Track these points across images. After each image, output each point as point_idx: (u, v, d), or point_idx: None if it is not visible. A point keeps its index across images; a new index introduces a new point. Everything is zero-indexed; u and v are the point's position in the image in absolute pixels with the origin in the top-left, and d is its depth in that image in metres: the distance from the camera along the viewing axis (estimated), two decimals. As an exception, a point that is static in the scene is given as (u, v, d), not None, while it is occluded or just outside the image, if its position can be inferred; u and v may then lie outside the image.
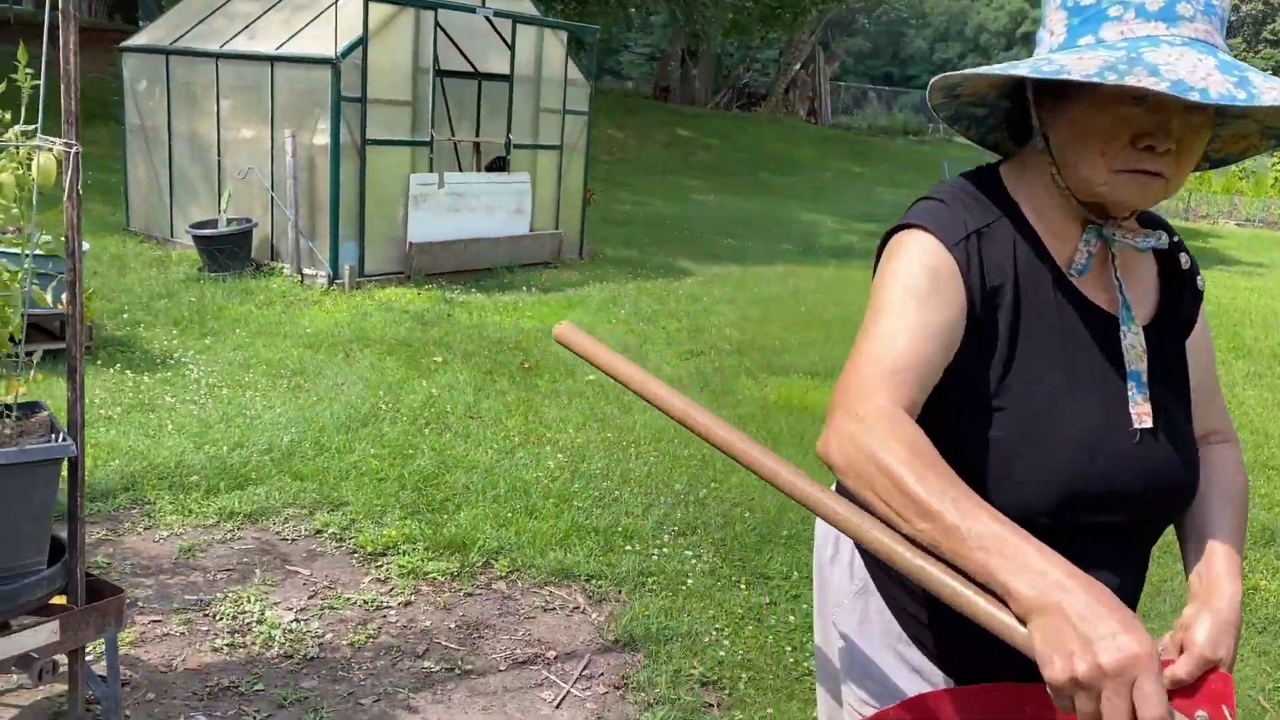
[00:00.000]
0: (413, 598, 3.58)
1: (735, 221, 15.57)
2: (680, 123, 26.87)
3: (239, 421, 5.12)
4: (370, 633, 3.31)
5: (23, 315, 2.38)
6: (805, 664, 3.34)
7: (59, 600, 2.58)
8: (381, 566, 3.79)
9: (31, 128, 2.46)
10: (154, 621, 3.25)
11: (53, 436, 2.50)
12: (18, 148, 2.34)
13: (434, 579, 3.71)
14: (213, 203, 9.05)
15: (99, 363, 5.84)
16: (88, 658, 2.74)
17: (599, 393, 6.21)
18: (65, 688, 2.72)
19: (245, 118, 8.90)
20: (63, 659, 2.75)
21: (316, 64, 8.22)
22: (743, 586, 3.84)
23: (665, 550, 4.06)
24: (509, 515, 4.26)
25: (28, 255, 2.42)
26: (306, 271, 8.50)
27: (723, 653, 3.35)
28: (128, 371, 5.83)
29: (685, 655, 3.31)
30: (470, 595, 3.63)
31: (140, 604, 3.36)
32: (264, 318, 7.34)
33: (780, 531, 4.33)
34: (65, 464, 2.49)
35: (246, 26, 9.07)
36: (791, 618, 3.62)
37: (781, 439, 5.53)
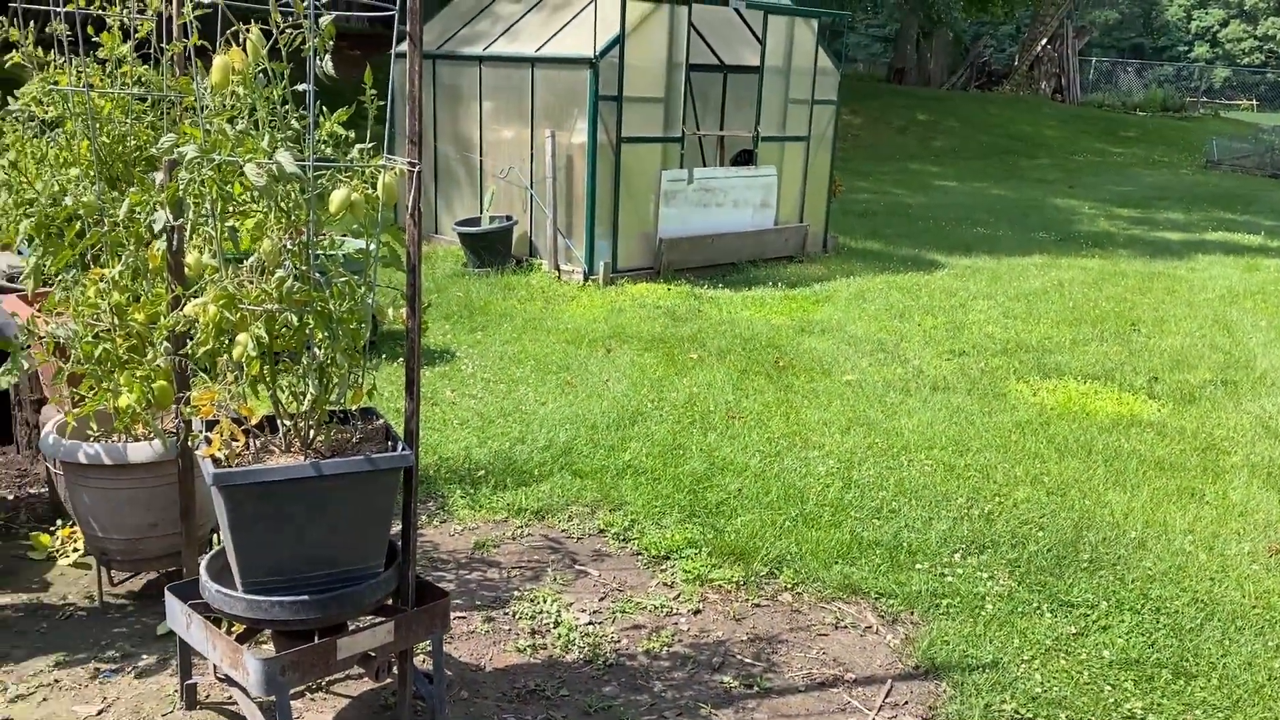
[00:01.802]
0: (701, 606, 3.55)
1: (983, 209, 14.84)
2: (917, 105, 25.93)
3: (516, 417, 5.28)
4: (665, 640, 3.30)
5: (370, 327, 2.49)
6: (1128, 705, 3.07)
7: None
8: (667, 570, 3.79)
9: (372, 145, 2.56)
10: (459, 618, 3.37)
11: (388, 445, 2.61)
12: (364, 168, 2.44)
13: (720, 587, 3.67)
14: (475, 201, 9.45)
15: (383, 355, 6.18)
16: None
17: (858, 394, 6.02)
18: (384, 682, 2.84)
19: (506, 118, 9.23)
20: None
21: (575, 64, 8.40)
22: (1045, 613, 3.58)
23: (957, 570, 3.85)
24: (786, 523, 4.17)
25: (372, 268, 2.52)
26: (563, 267, 8.73)
27: (1036, 688, 3.12)
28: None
29: (994, 688, 3.11)
30: (758, 606, 3.57)
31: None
32: (527, 312, 7.58)
33: (1080, 555, 4.02)
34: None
35: (508, 29, 9.39)
36: (1105, 652, 3.34)
37: (1067, 449, 5.16)
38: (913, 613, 3.57)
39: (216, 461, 2.41)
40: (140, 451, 3.06)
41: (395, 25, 2.40)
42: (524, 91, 8.92)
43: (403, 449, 2.53)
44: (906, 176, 18.44)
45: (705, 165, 10.41)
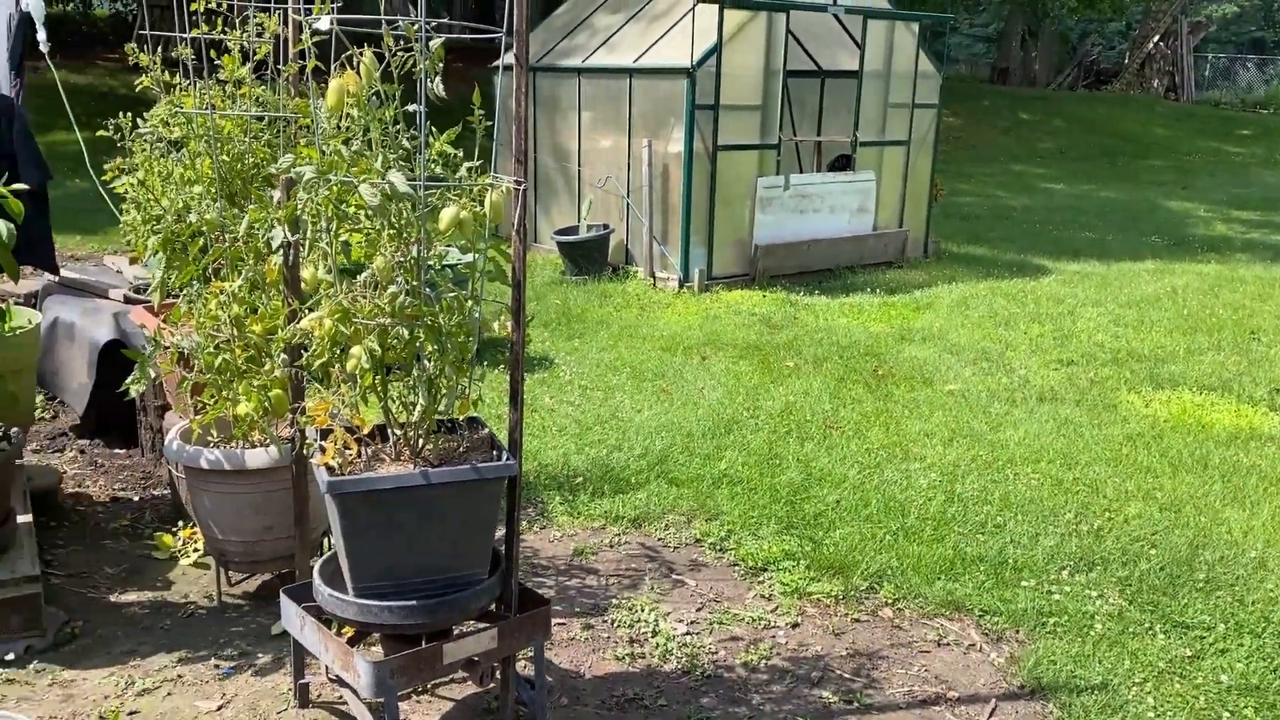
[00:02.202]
0: (799, 619, 3.53)
1: (1092, 212, 14.40)
2: (1020, 106, 25.29)
3: (613, 424, 5.33)
4: (763, 653, 3.30)
5: (478, 339, 2.55)
6: (1247, 734, 2.95)
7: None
8: (764, 582, 3.78)
9: (479, 163, 2.62)
10: (558, 624, 3.42)
11: (493, 454, 2.67)
12: (472, 186, 2.50)
13: (819, 600, 3.65)
14: (573, 209, 9.56)
15: (485, 363, 6.30)
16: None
17: (962, 405, 5.90)
18: (487, 687, 2.90)
19: (604, 128, 9.32)
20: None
21: (672, 74, 8.44)
22: (1158, 634, 3.46)
23: (1065, 588, 3.75)
24: (886, 537, 4.12)
25: (478, 283, 2.58)
26: (659, 275, 8.77)
27: (1148, 712, 3.03)
28: (508, 373, 6.24)
29: (1103, 711, 3.03)
30: (858, 621, 3.53)
31: (545, 605, 3.54)
32: (623, 320, 7.64)
33: (1195, 574, 3.87)
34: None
35: (606, 41, 9.49)
36: (1223, 677, 3.22)
37: (1182, 464, 4.98)
38: (1018, 631, 3.49)
39: (330, 469, 2.50)
40: (257, 458, 3.19)
41: (501, 45, 2.46)
42: (621, 102, 9.00)
43: (507, 458, 2.58)
44: (1010, 179, 18.01)
45: (802, 171, 10.35)
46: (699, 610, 3.57)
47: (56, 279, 5.26)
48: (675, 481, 4.60)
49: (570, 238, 8.96)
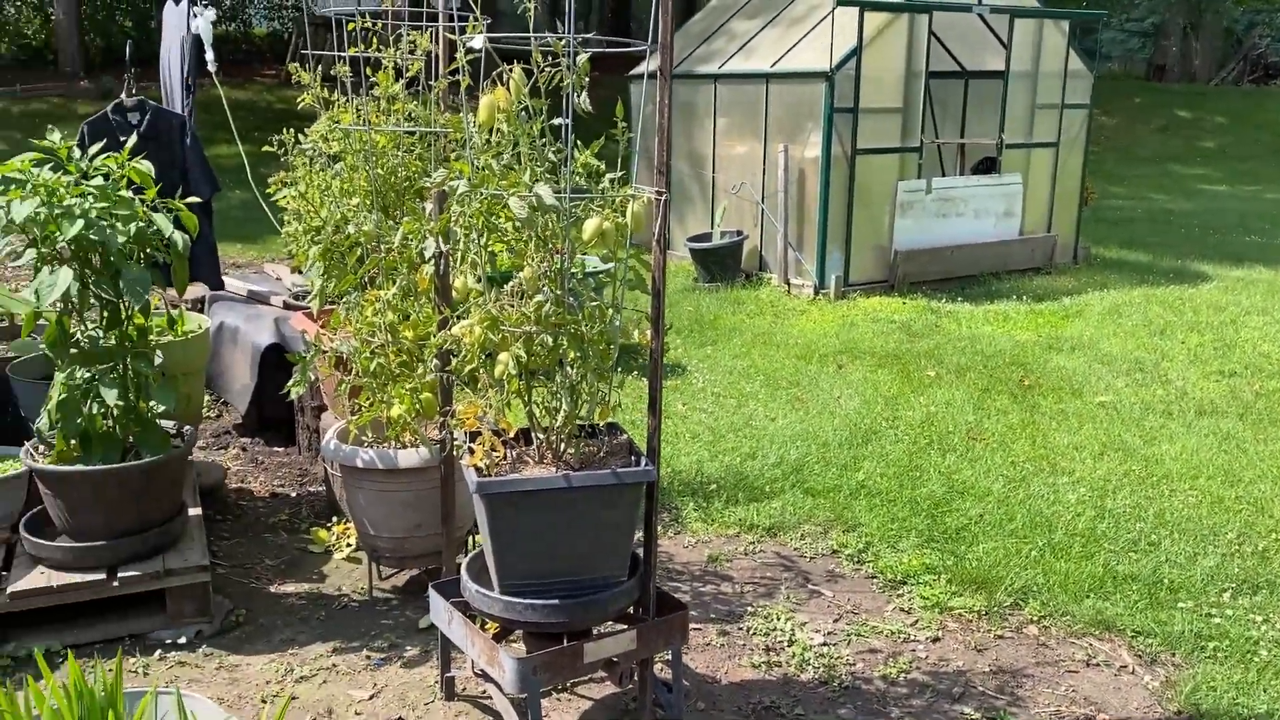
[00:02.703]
0: (940, 634, 3.46)
1: (1258, 214, 13.59)
2: (1178, 103, 24.06)
3: (746, 432, 5.33)
4: (902, 667, 3.25)
5: (617, 345, 2.60)
6: None
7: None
8: (903, 596, 3.72)
9: (621, 175, 2.68)
10: (695, 629, 3.45)
11: (631, 460, 2.71)
12: (615, 198, 2.56)
13: (960, 615, 3.57)
14: (706, 216, 9.59)
15: (620, 369, 6.38)
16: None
17: (1113, 417, 5.67)
18: (625, 688, 2.95)
19: (739, 134, 9.32)
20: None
21: (810, 78, 8.38)
22: (1332, 666, 3.25)
23: (1226, 611, 3.56)
24: (1032, 553, 3.99)
25: (619, 292, 2.63)
26: (794, 281, 8.71)
27: (1319, 748, 2.85)
28: (643, 379, 6.30)
29: (1269, 744, 2.87)
30: (1001, 638, 3.44)
31: (681, 610, 3.57)
32: (756, 327, 7.62)
33: (1374, 602, 3.62)
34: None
35: (743, 46, 9.49)
36: (1406, 715, 3.00)
37: (1359, 484, 4.66)
38: (1174, 654, 3.33)
39: (478, 470, 2.59)
40: (409, 458, 3.33)
41: (647, 56, 2.51)
42: (758, 107, 8.98)
43: (645, 464, 2.62)
44: (1167, 180, 17.17)
45: (944, 174, 10.12)
46: (836, 621, 3.54)
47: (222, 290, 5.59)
48: (811, 491, 4.57)
49: (704, 244, 8.99)
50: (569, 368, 2.58)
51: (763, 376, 6.39)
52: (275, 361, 4.78)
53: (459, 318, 2.66)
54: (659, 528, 4.19)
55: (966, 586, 3.74)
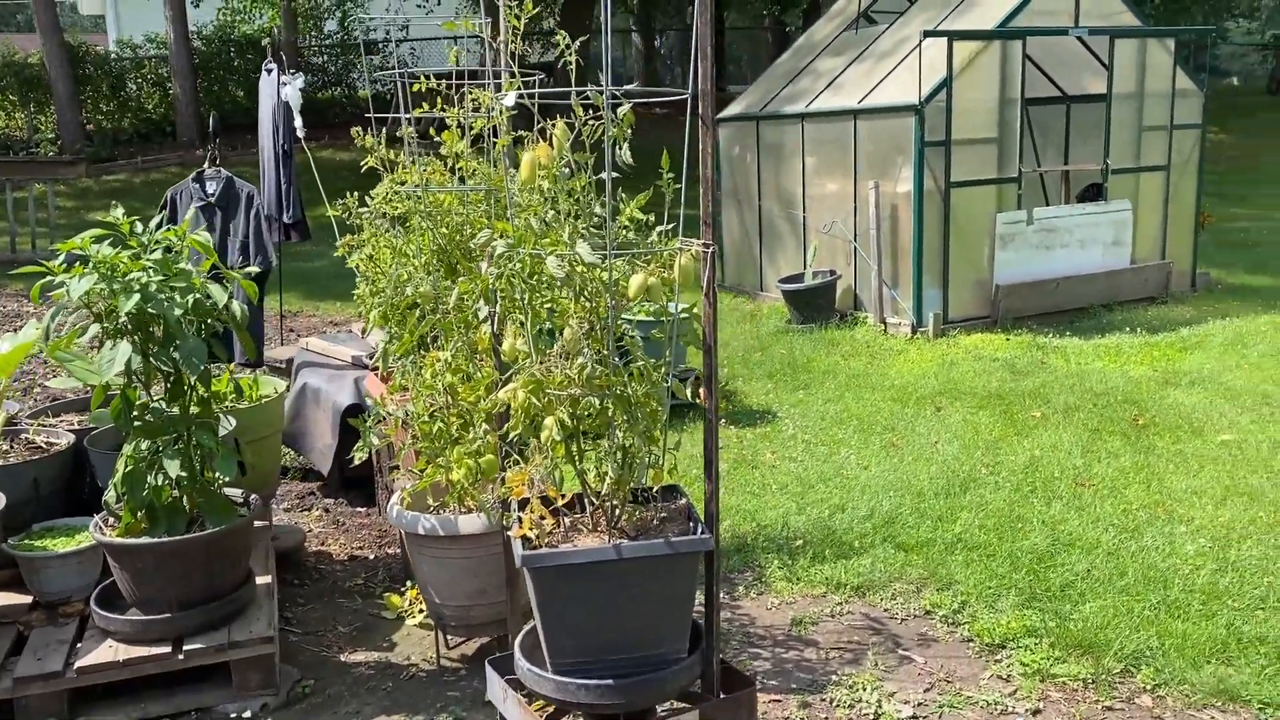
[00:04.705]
0: (1041, 705, 3.18)
1: (1397, 232, 12.69)
2: (1305, 117, 22.82)
3: (837, 482, 5.11)
4: (997, 745, 2.99)
5: (667, 407, 2.47)
6: None
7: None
8: (1001, 661, 3.45)
9: (670, 227, 2.56)
10: (773, 701, 3.25)
11: (689, 526, 2.56)
12: (663, 252, 2.44)
13: (1064, 684, 3.28)
14: (798, 255, 9.40)
15: (688, 415, 6.23)
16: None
17: (1237, 457, 5.25)
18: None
19: (828, 172, 9.13)
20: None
21: (900, 112, 8.16)
22: None
23: (1371, 681, 3.19)
24: (1145, 612, 3.67)
25: (670, 350, 2.50)
26: (889, 320, 8.44)
27: None
28: (731, 426, 6.15)
29: None
30: (1110, 710, 3.14)
31: (760, 678, 3.38)
32: (851, 369, 7.38)
33: None
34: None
35: (830, 83, 9.33)
36: None
37: None
38: (1310, 731, 2.99)
39: (526, 541, 2.48)
40: (470, 523, 3.24)
41: (689, 111, 2.39)
42: (846, 144, 8.79)
43: (702, 532, 2.47)
44: (1294, 199, 16.19)
45: (1046, 203, 9.72)
46: (927, 691, 3.30)
47: (263, 368, 5.66)
48: (903, 546, 4.32)
49: (795, 285, 8.79)
50: (617, 431, 2.45)
51: (856, 421, 6.15)
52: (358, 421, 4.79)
53: (507, 380, 2.57)
54: (741, 588, 4.02)
55: (1071, 651, 3.45)
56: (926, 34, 7.97)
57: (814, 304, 8.66)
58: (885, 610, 3.85)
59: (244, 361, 5.62)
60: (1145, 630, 3.54)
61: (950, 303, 8.31)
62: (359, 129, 3.75)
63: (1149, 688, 3.25)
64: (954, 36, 7.92)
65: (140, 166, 18.35)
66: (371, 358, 5.07)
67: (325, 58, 23.28)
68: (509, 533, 2.53)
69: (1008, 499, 4.81)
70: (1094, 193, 9.37)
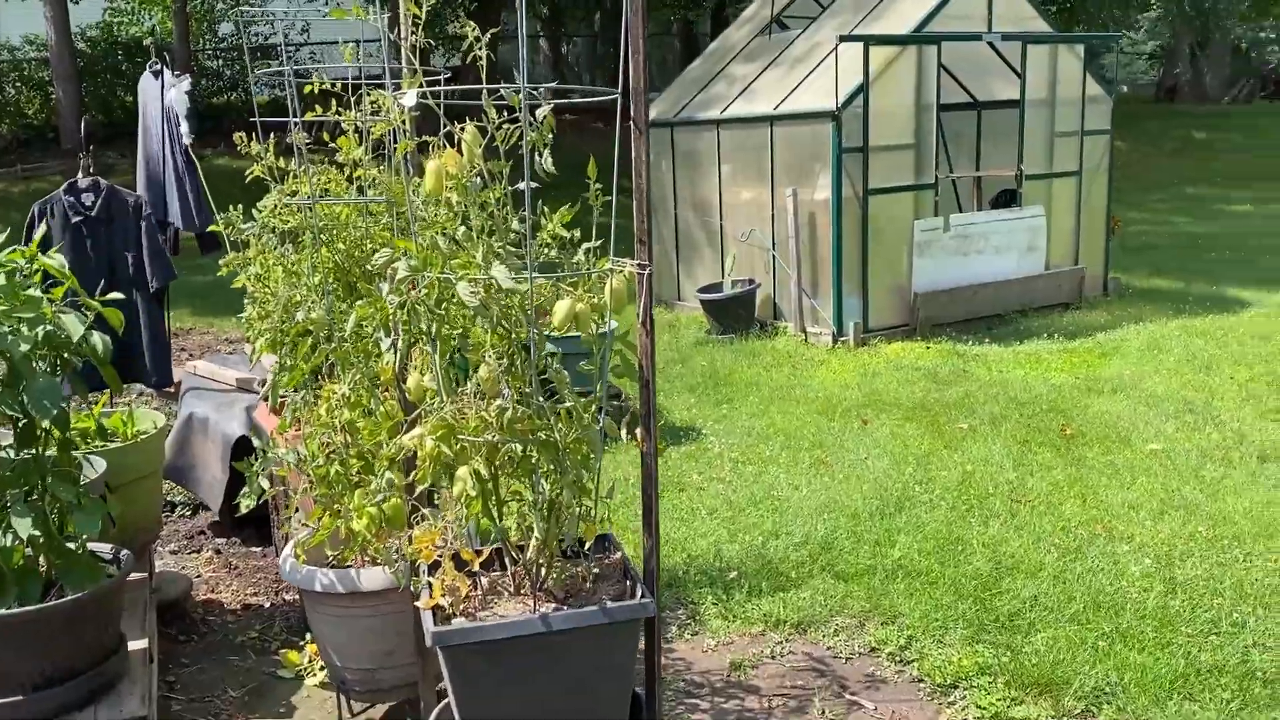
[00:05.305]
0: (1002, 754, 2.96)
1: (1289, 235, 13.08)
2: (1192, 124, 23.63)
3: (768, 505, 4.86)
4: (961, 804, 2.76)
5: (600, 453, 2.16)
6: None
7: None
8: (955, 704, 3.22)
9: (598, 244, 2.25)
10: (716, 760, 2.97)
11: (627, 585, 2.26)
12: (591, 274, 2.13)
13: (1024, 729, 3.07)
14: (716, 265, 9.18)
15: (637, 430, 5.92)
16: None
17: (1168, 468, 5.16)
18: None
19: (745, 179, 8.94)
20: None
21: (816, 118, 8.00)
22: None
23: (1338, 712, 3.05)
24: (1099, 642, 3.49)
25: (601, 387, 2.19)
26: (810, 329, 8.27)
27: None
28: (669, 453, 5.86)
29: None
30: (1075, 757, 2.94)
31: (699, 734, 3.10)
32: (774, 381, 7.16)
33: None
34: (643, 616, 2.23)
35: (745, 89, 9.13)
36: None
37: None
38: (1284, 772, 2.82)
39: (439, 612, 2.14)
40: (374, 578, 2.88)
41: (618, 113, 2.09)
42: (763, 151, 8.60)
43: (642, 594, 2.17)
44: (1187, 203, 16.68)
45: (960, 210, 9.69)
46: (879, 741, 3.05)
47: (170, 388, 5.20)
48: (842, 576, 4.08)
49: (714, 295, 8.57)
50: (543, 481, 2.13)
51: (783, 437, 5.92)
52: (249, 452, 4.36)
53: (415, 422, 2.23)
54: (674, 628, 3.73)
55: (1029, 690, 3.24)
56: (842, 39, 7.83)
57: (734, 314, 8.44)
58: (829, 649, 3.60)
59: (154, 384, 5.13)
60: (1103, 664, 3.35)
61: (870, 311, 8.17)
62: (242, 134, 3.36)
63: (1113, 729, 3.06)
64: (870, 41, 7.79)
65: (21, 175, 17.28)
66: (263, 384, 4.64)
67: (220, 62, 22.37)
68: (418, 603, 2.19)
69: (945, 518, 4.62)
70: (1007, 199, 9.37)
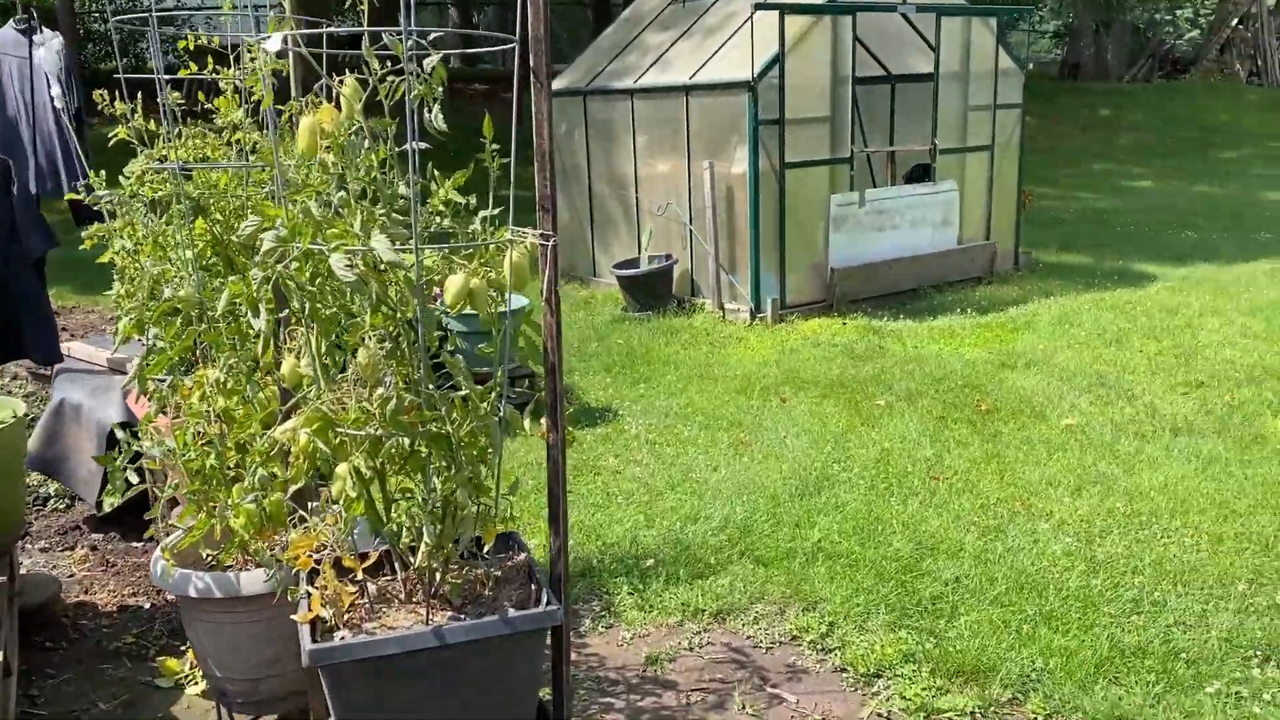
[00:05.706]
0: (929, 748, 2.85)
1: (1188, 209, 13.40)
2: (1096, 101, 24.15)
3: (686, 488, 4.69)
4: (888, 804, 2.63)
5: (501, 444, 1.94)
6: None
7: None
8: (879, 695, 3.10)
9: (498, 212, 2.03)
10: (632, 764, 2.79)
11: (532, 589, 2.05)
12: (488, 245, 1.90)
13: (951, 719, 2.96)
14: (632, 240, 8.97)
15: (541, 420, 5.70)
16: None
17: (1083, 443, 5.15)
18: None
19: (661, 151, 8.73)
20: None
21: (732, 89, 7.82)
22: (1397, 759, 2.71)
23: (1257, 686, 3.00)
24: (1024, 626, 3.41)
25: (501, 372, 1.97)
26: (728, 306, 8.12)
27: None
28: (569, 428, 5.63)
29: None
30: (1003, 749, 2.84)
31: (614, 736, 2.92)
32: (692, 359, 7.00)
33: None
34: (549, 622, 2.03)
35: (658, 59, 8.91)
36: None
37: (1367, 512, 4.18)
38: (1211, 758, 2.76)
39: (318, 624, 1.90)
40: (255, 581, 2.62)
41: (516, 62, 1.86)
42: (678, 122, 8.40)
43: (548, 601, 1.96)
44: (1094, 179, 17.02)
45: (874, 185, 9.63)
46: (802, 738, 2.91)
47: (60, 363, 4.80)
48: (762, 560, 3.94)
49: (630, 271, 8.36)
50: (435, 479, 1.91)
51: (701, 417, 5.76)
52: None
53: (288, 413, 1.98)
54: (588, 621, 3.54)
55: (954, 679, 3.13)
56: (758, 6, 7.65)
57: (651, 290, 8.25)
58: (748, 638, 3.45)
59: (41, 360, 4.71)
60: (1028, 649, 3.26)
61: (788, 287, 8.06)
62: (103, 92, 3.03)
63: (1042, 716, 2.96)
64: (785, 10, 7.63)
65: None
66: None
67: (107, 25, 21.27)
68: (294, 617, 1.95)
69: (864, 498, 4.51)
70: (920, 174, 9.34)
